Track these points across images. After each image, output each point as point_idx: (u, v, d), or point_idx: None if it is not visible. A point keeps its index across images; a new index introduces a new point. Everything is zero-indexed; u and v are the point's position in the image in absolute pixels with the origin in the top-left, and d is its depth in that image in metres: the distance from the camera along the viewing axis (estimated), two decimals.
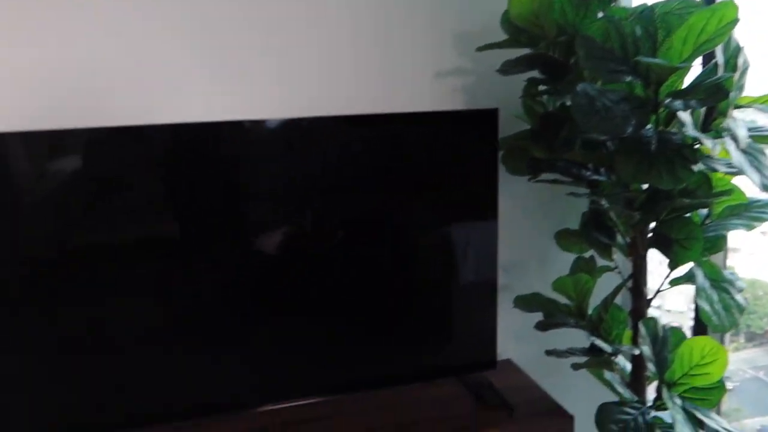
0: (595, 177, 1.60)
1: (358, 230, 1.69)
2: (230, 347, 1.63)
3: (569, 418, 1.69)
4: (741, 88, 1.43)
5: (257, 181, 1.60)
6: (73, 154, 1.45)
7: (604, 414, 1.60)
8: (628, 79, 1.41)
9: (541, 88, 1.73)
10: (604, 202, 1.66)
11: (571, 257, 2.10)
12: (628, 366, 1.81)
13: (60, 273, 1.47)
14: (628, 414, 1.61)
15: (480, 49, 1.69)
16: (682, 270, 1.74)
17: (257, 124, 1.57)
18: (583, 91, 1.38)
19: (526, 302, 1.82)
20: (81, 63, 1.61)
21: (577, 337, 2.15)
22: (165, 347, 1.58)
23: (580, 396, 2.20)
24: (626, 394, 1.80)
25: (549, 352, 1.75)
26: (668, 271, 1.74)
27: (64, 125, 1.64)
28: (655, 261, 1.82)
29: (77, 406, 1.54)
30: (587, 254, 1.91)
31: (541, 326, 1.74)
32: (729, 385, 1.80)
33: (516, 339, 2.11)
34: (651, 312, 1.77)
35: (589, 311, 1.86)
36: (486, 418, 1.70)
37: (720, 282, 1.63)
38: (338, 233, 1.68)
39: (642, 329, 1.60)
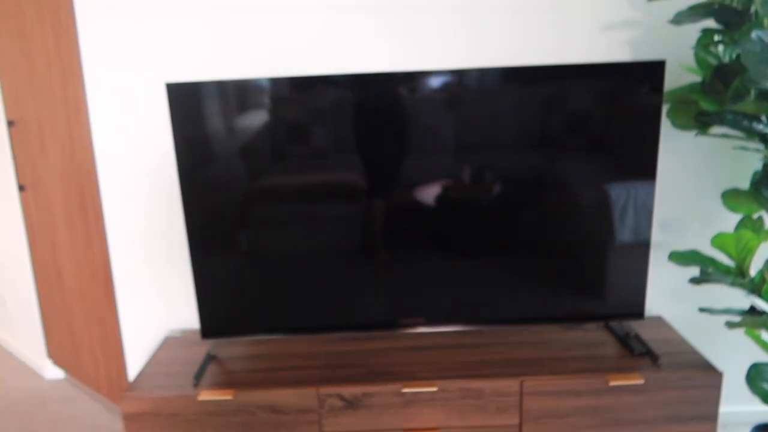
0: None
1: (519, 181, 1.79)
2: (408, 277, 1.85)
3: (718, 374, 1.68)
4: None
5: (427, 130, 1.77)
6: (261, 101, 1.73)
7: (756, 372, 1.58)
8: None
9: (716, 38, 1.68)
10: None
11: (736, 219, 2.03)
12: None
13: (250, 210, 1.78)
14: None
15: None
16: None
17: (427, 75, 1.73)
18: (758, 37, 1.35)
19: (682, 258, 1.81)
20: (274, 19, 1.89)
21: (735, 300, 2.10)
22: (351, 275, 1.84)
23: (732, 357, 2.15)
24: None
25: (702, 309, 1.74)
26: None
27: (257, 75, 1.94)
28: None
29: (273, 312, 1.87)
30: (756, 215, 1.83)
31: (696, 281, 1.73)
32: None
33: (669, 297, 2.09)
34: None
35: (753, 273, 1.80)
36: (630, 363, 1.75)
37: None
38: (501, 185, 1.80)
39: None
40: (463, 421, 1.72)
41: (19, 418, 2.49)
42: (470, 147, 1.76)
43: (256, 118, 1.73)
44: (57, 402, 2.60)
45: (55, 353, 2.77)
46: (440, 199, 1.80)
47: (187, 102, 1.71)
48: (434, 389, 1.70)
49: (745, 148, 1.61)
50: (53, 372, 2.82)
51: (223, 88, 1.70)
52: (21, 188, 2.62)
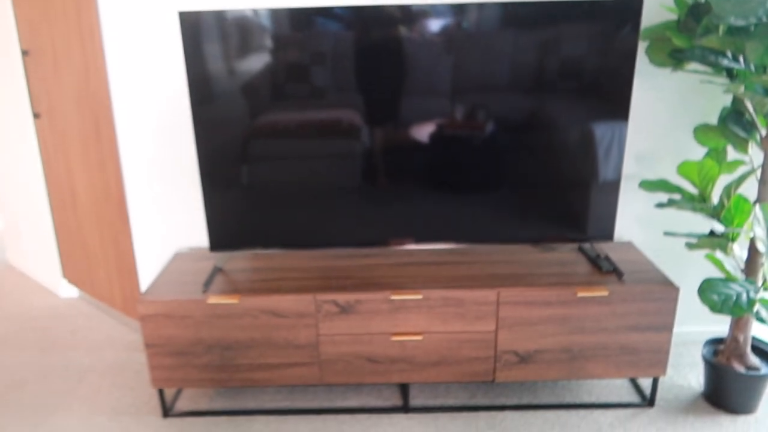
0: (732, 65, 1.68)
1: (501, 117, 1.93)
2: (401, 204, 2.01)
3: (675, 289, 1.87)
4: None
5: (418, 67, 1.89)
6: (254, 33, 1.85)
7: (708, 285, 1.76)
8: None
9: None
10: (742, 90, 1.73)
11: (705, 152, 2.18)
12: (746, 253, 1.91)
13: (256, 139, 1.93)
14: (733, 289, 1.75)
15: None
16: None
17: (417, 9, 1.84)
18: None
19: (652, 186, 1.97)
20: None
21: (700, 228, 2.27)
22: (346, 199, 2.00)
23: (694, 280, 2.34)
24: (739, 276, 1.92)
25: (667, 233, 1.91)
26: None
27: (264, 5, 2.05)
28: None
29: (284, 228, 2.04)
30: (722, 147, 1.98)
31: (662, 206, 1.89)
32: None
33: (640, 224, 2.26)
34: None
35: (715, 201, 1.97)
36: (597, 279, 1.94)
37: None
38: (487, 120, 1.94)
39: (758, 212, 1.70)
40: (444, 326, 1.91)
41: (39, 331, 2.70)
42: (458, 88, 1.89)
43: (261, 48, 1.86)
44: (74, 317, 2.81)
45: (69, 273, 2.96)
46: (433, 135, 1.95)
47: (200, 30, 1.84)
48: (419, 297, 1.88)
49: (711, 82, 1.74)
50: (68, 291, 3.02)
51: (233, 17, 1.82)
52: (36, 116, 2.75)
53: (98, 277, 2.76)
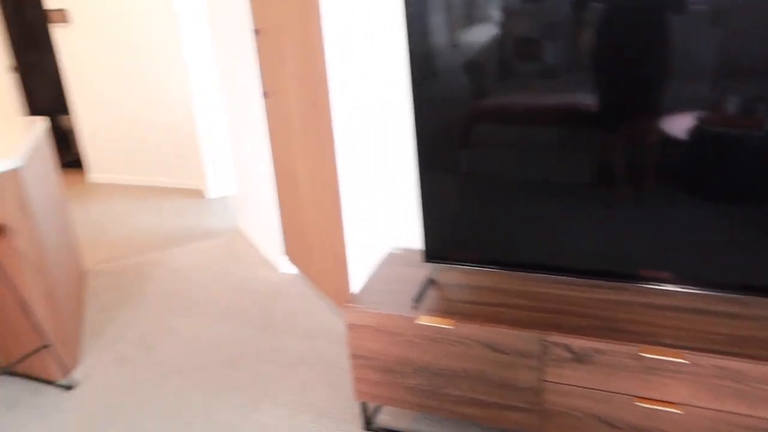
0: None
1: None
2: (652, 222, 1.58)
3: None
4: None
5: (681, 47, 1.41)
6: (482, 4, 1.51)
7: None
8: None
9: None
10: None
11: None
12: None
13: (477, 132, 1.62)
14: None
15: None
16: None
17: None
18: None
19: None
20: None
21: None
22: (581, 211, 1.63)
23: None
24: None
25: None
26: None
27: None
28: None
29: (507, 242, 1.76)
30: None
31: None
32: None
33: None
34: None
35: None
36: None
37: None
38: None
39: None
40: (715, 402, 1.46)
41: (261, 309, 2.79)
42: (738, 71, 1.37)
43: (488, 21, 1.54)
44: (292, 297, 2.85)
45: (290, 251, 3.02)
46: (695, 132, 1.46)
47: (422, 11, 1.58)
48: (682, 361, 1.45)
49: None
50: (287, 267, 3.10)
51: None
52: (265, 95, 2.78)
53: (314, 261, 2.75)
